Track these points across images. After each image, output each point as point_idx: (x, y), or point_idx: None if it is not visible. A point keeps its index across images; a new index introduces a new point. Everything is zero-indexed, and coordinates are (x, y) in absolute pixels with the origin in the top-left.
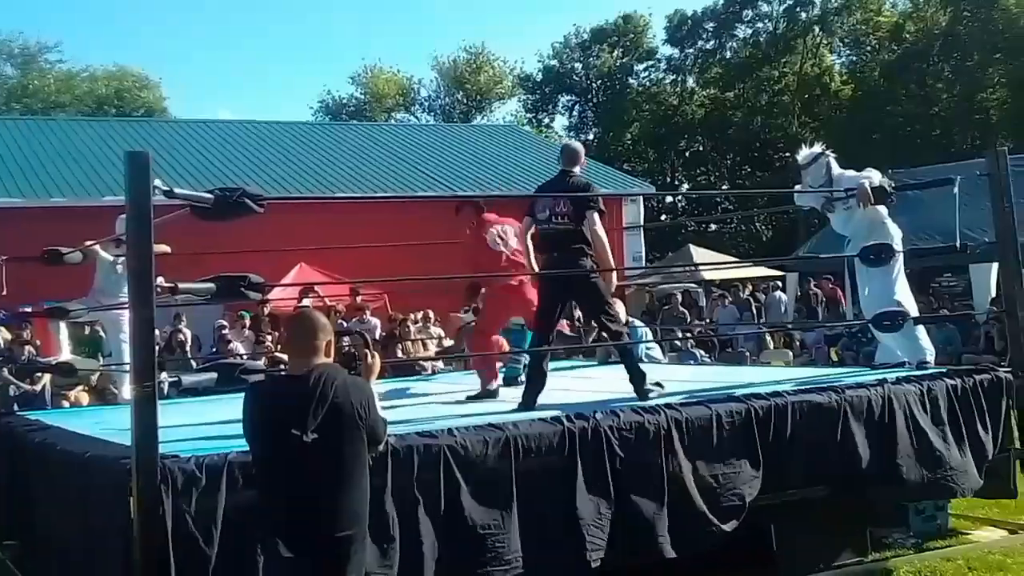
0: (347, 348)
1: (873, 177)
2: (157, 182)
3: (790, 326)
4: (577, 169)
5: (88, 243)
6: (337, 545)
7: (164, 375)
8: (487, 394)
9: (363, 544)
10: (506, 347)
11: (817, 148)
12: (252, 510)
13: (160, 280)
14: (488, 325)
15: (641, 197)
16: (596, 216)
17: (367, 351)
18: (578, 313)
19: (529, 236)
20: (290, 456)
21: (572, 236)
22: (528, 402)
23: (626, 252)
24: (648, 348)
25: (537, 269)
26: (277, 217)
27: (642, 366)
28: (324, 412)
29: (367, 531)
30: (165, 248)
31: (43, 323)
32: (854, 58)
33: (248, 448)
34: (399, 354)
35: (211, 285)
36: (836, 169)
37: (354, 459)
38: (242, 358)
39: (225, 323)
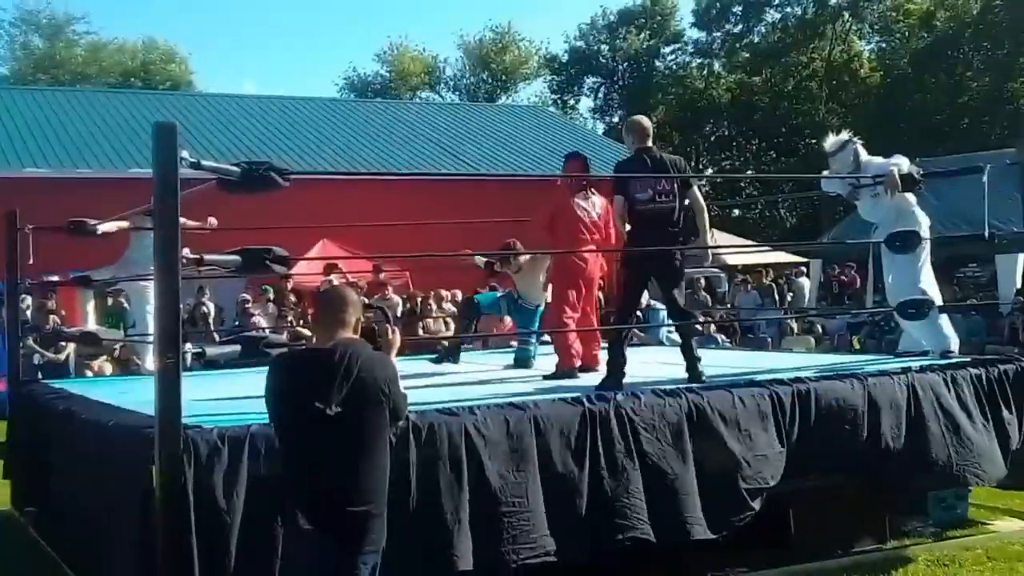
0: (367, 323)
1: (902, 164)
2: (184, 154)
3: (813, 313)
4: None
5: (124, 214)
6: (355, 520)
7: (188, 346)
8: (564, 374)
9: (381, 519)
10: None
11: (844, 136)
12: (273, 481)
13: (186, 251)
14: (563, 301)
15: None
16: (696, 189)
17: (388, 327)
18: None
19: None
20: (312, 429)
21: (673, 214)
22: (615, 382)
23: None
24: (669, 331)
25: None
26: (301, 193)
27: (665, 350)
28: (349, 386)
29: (385, 507)
30: (213, 221)
31: (68, 293)
32: (883, 45)
33: (269, 419)
34: (420, 332)
35: (236, 257)
36: (864, 156)
37: (376, 434)
38: (264, 332)
39: (248, 297)
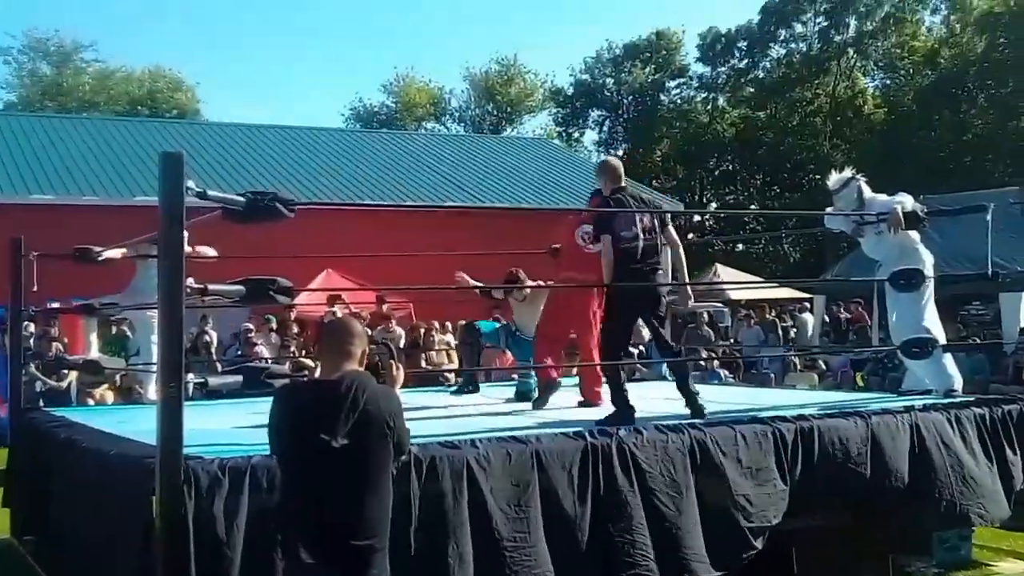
0: (371, 359)
1: (906, 202)
2: (190, 183)
3: (816, 349)
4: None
5: (131, 242)
6: (358, 554)
7: (190, 376)
8: (546, 389)
9: (384, 554)
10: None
11: (847, 173)
12: (274, 513)
13: (190, 281)
14: (551, 330)
15: (669, 215)
16: (671, 226)
17: (392, 362)
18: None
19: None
20: (317, 461)
21: (656, 250)
22: (625, 417)
23: None
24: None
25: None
26: (305, 222)
27: (667, 385)
28: (355, 419)
29: (387, 541)
30: (211, 252)
31: (70, 320)
32: (888, 82)
33: (271, 451)
34: (423, 364)
35: (240, 288)
36: (868, 193)
37: (380, 468)
38: (267, 362)
39: (251, 326)
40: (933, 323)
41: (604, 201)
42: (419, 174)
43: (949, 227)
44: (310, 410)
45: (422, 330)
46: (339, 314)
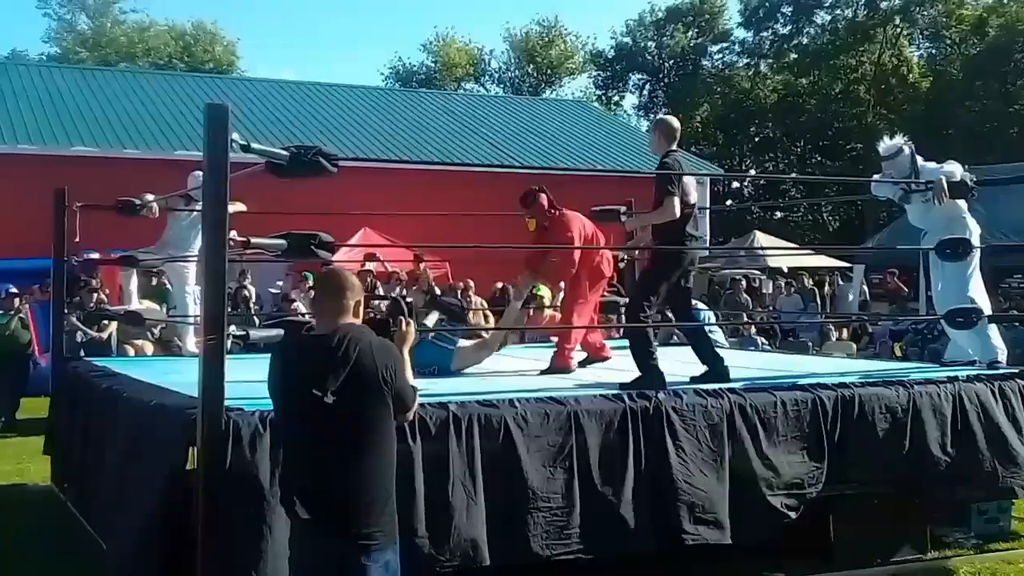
0: (383, 315)
1: (955, 171)
2: (235, 136)
3: (857, 318)
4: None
5: (161, 197)
6: (355, 509)
7: (231, 329)
8: (558, 372)
9: (387, 513)
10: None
11: (899, 139)
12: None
13: (233, 234)
14: (582, 299)
15: (708, 179)
16: None
17: (403, 318)
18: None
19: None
20: (310, 417)
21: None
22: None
23: None
24: (711, 332)
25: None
26: (341, 181)
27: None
28: (346, 373)
29: (392, 500)
30: (241, 206)
31: (111, 272)
32: (934, 51)
33: (273, 409)
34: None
35: (282, 242)
36: (919, 160)
37: (377, 423)
38: (304, 317)
39: (281, 284)
40: (979, 293)
41: (673, 162)
42: (457, 134)
43: (992, 198)
44: (303, 364)
45: (459, 290)
46: (375, 271)
